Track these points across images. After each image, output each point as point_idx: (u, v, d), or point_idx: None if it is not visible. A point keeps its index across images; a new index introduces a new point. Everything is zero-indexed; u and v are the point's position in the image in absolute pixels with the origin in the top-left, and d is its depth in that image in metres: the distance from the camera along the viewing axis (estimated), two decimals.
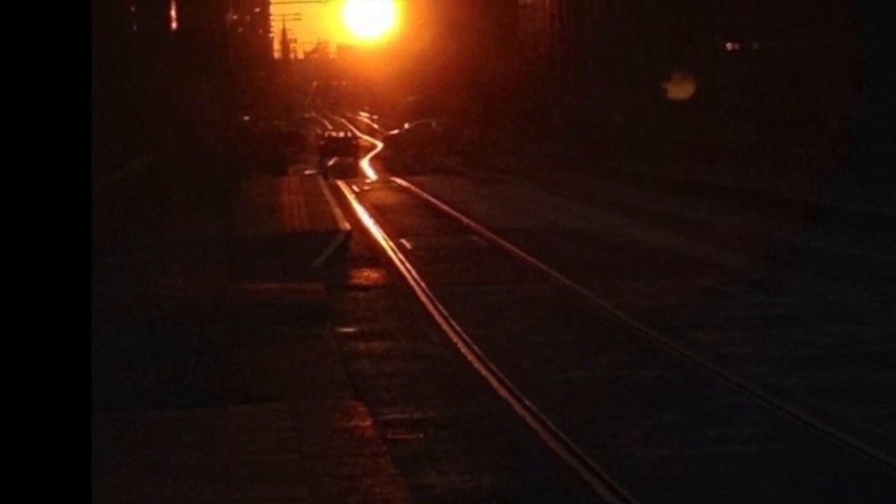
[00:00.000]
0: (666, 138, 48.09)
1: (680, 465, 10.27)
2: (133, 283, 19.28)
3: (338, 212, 32.32)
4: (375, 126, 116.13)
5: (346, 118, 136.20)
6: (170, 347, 14.66)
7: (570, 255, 23.42)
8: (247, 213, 30.17)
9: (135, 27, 30.04)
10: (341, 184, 45.63)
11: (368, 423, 11.21)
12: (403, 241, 26.25)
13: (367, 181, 50.76)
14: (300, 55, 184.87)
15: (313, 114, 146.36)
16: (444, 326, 16.42)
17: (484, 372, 13.67)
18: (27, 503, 4.41)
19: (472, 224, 29.22)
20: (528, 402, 12.13)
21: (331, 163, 64.40)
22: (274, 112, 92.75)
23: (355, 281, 21.37)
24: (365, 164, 65.96)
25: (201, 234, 25.27)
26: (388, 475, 9.64)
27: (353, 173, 57.02)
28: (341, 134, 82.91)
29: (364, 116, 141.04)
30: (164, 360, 13.95)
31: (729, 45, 46.79)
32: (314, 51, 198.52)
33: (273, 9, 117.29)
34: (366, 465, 9.86)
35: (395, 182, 46.88)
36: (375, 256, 24.26)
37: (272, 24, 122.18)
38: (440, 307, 17.76)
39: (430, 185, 43.06)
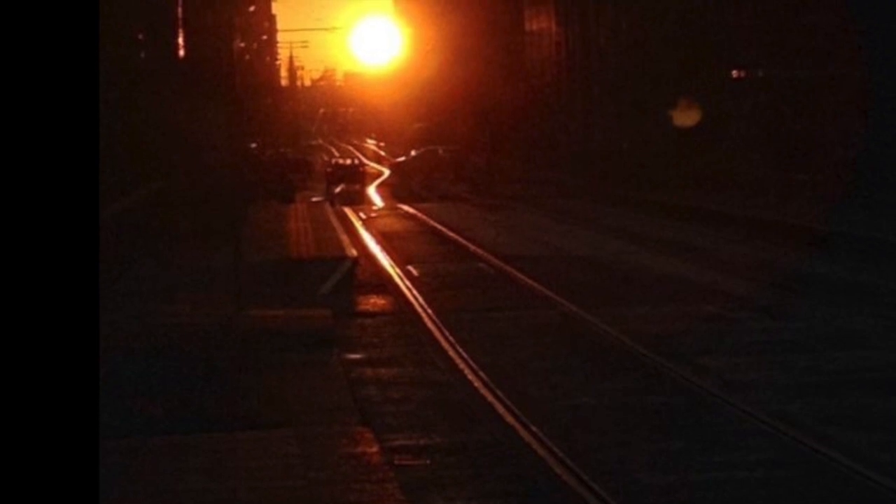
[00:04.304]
0: (672, 166, 48.12)
1: (686, 491, 10.28)
2: (140, 309, 19.32)
3: (345, 238, 32.32)
4: (382, 153, 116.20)
5: (352, 145, 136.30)
6: (177, 374, 14.69)
7: (577, 281, 23.45)
8: (254, 239, 30.19)
9: (142, 55, 30.16)
10: (348, 211, 45.65)
11: (375, 449, 11.24)
12: (410, 267, 26.27)
13: (374, 208, 50.78)
14: (307, 82, 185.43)
15: (320, 141, 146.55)
16: (451, 353, 16.44)
17: (490, 398, 13.69)
18: None
19: (479, 251, 29.22)
20: (534, 429, 12.15)
21: (338, 190, 64.49)
22: (281, 139, 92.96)
23: (362, 307, 21.40)
24: (372, 190, 65.99)
25: (208, 260, 25.30)
26: (394, 501, 9.66)
27: (359, 200, 57.05)
28: (348, 161, 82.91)
29: (371, 143, 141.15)
30: (171, 387, 13.99)
31: (735, 73, 46.85)
32: (321, 78, 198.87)
33: (280, 36, 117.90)
34: (373, 491, 9.87)
35: (401, 209, 46.88)
36: (382, 283, 24.28)
37: (279, 51, 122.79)
38: (447, 334, 17.79)
39: (437, 212, 43.07)
